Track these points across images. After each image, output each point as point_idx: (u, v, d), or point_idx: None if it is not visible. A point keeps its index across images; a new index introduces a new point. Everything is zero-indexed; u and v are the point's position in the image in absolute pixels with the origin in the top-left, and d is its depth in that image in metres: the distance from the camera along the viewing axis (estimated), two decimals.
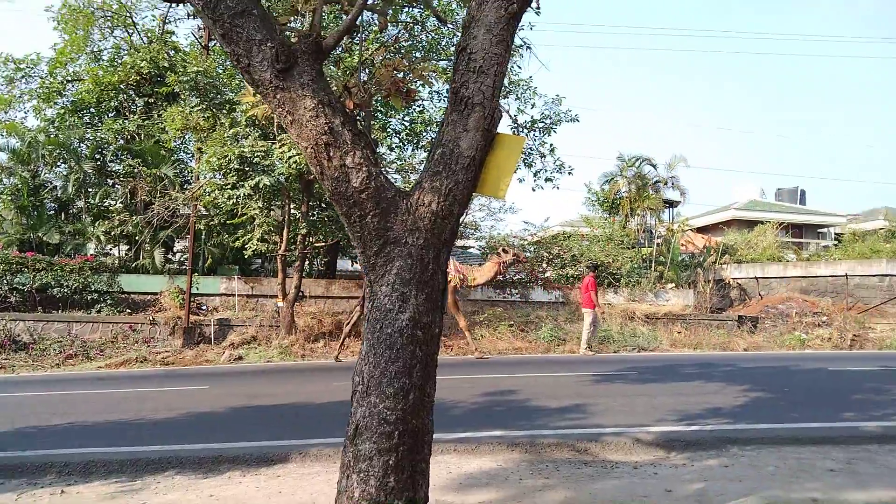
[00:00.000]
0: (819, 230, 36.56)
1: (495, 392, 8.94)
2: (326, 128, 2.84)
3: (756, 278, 23.30)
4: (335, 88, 3.14)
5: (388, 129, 16.02)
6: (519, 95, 15.27)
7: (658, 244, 24.39)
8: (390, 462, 2.84)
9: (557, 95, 14.99)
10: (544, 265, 20.52)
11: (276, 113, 2.99)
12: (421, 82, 4.66)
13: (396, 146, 16.57)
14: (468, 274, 14.42)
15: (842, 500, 4.33)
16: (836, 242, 32.25)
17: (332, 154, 2.84)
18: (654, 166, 24.07)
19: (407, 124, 15.92)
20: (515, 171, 15.91)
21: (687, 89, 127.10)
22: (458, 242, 23.71)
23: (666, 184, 24.22)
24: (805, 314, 19.16)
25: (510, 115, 15.05)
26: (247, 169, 13.18)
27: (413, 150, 16.74)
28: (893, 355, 15.08)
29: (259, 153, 13.04)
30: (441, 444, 5.92)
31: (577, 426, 6.66)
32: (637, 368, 11.79)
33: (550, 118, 15.28)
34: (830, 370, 11.74)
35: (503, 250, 14.90)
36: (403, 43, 13.27)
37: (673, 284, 21.92)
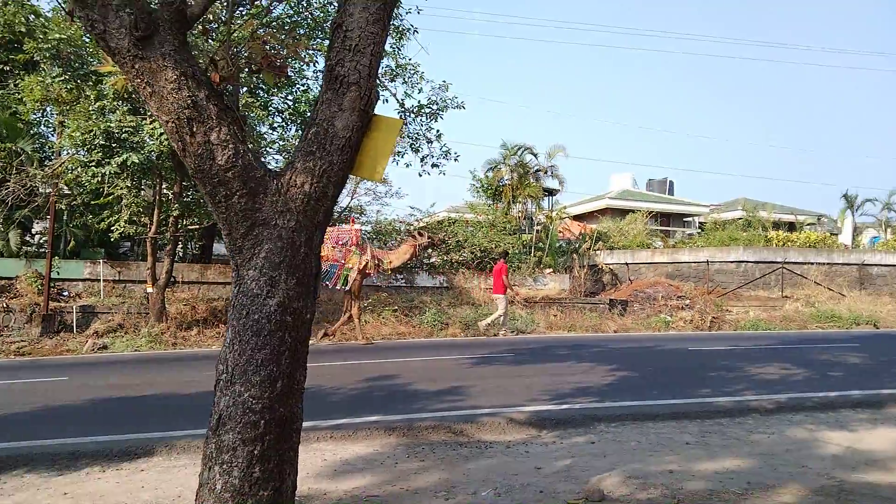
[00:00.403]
0: (685, 219, 39.03)
1: (376, 377, 8.93)
2: (189, 101, 2.68)
3: (627, 264, 24.60)
4: (201, 61, 2.96)
5: (270, 108, 15.50)
6: (406, 80, 15.18)
7: (538, 231, 25.19)
8: (255, 452, 2.75)
9: (444, 82, 15.03)
10: (429, 251, 20.69)
11: (134, 84, 2.79)
12: (295, 58, 4.52)
13: (279, 126, 16.06)
14: (384, 257, 14.43)
15: (695, 470, 4.63)
16: (699, 231, 34.57)
17: (195, 129, 2.69)
18: (535, 155, 24.82)
19: (290, 103, 15.46)
20: (396, 155, 15.90)
21: (566, 80, 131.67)
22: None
23: (546, 172, 25.04)
24: (670, 298, 20.43)
25: (398, 100, 14.97)
26: (114, 145, 12.35)
27: (297, 130, 16.31)
28: (746, 335, 16.37)
29: (128, 129, 12.24)
30: (317, 432, 5.84)
31: (454, 408, 6.77)
32: (515, 351, 12.15)
33: (437, 104, 15.31)
34: (690, 350, 12.60)
35: (418, 233, 15.02)
36: (287, 19, 12.84)
37: (551, 269, 22.75)
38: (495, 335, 15.51)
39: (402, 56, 14.49)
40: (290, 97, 15.44)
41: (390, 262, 14.52)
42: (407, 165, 15.66)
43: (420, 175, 15.25)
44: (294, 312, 2.81)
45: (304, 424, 6.00)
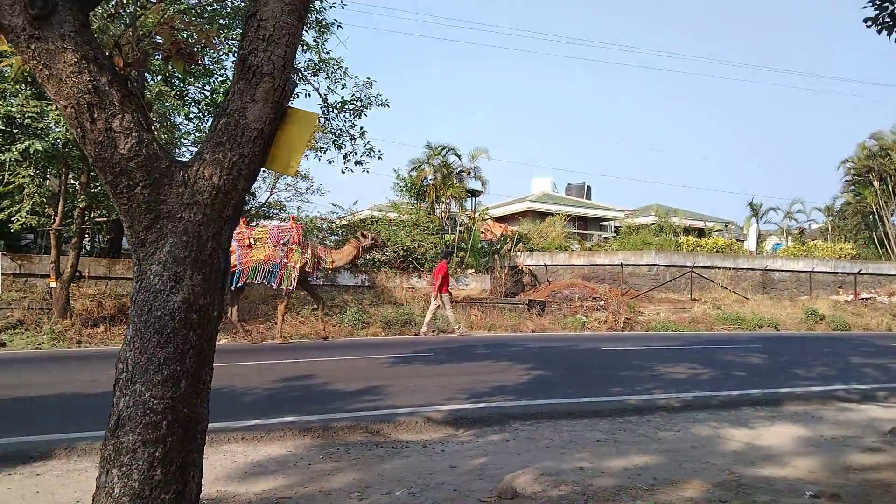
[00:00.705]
0: (601, 223, 40.18)
1: (292, 377, 8.75)
2: (90, 86, 2.54)
3: (546, 265, 25.09)
4: (104, 44, 2.81)
5: (187, 98, 14.99)
6: (330, 75, 14.99)
7: (460, 231, 25.37)
8: (157, 454, 2.63)
9: (368, 78, 14.91)
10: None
11: (30, 66, 2.61)
12: (207, 46, 4.36)
13: (195, 116, 15.54)
14: (326, 256, 14.52)
15: (605, 467, 4.75)
16: (615, 234, 35.64)
17: (96, 116, 2.55)
18: (458, 156, 24.98)
19: (208, 94, 14.99)
20: (318, 151, 15.66)
21: (489, 84, 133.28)
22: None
23: (469, 174, 25.25)
24: (586, 299, 20.99)
25: (320, 94, 14.75)
26: (15, 131, 11.65)
27: None
28: (657, 336, 16.99)
29: (31, 114, 11.57)
30: (228, 433, 5.67)
31: (371, 408, 6.71)
32: (435, 350, 12.18)
33: (361, 101, 15.18)
34: (604, 349, 12.97)
35: (362, 234, 15.15)
36: (206, 7, 12.43)
37: (473, 270, 22.95)
38: (460, 333, 16.12)
39: (325, 51, 14.29)
40: (207, 87, 14.97)
41: (332, 261, 14.64)
42: (329, 162, 15.48)
43: (343, 172, 15.08)
44: (200, 309, 2.70)
45: (215, 426, 5.82)
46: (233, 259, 13.16)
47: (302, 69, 14.24)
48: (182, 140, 15.54)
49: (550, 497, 4.02)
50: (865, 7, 5.33)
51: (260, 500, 4.13)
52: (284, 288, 13.77)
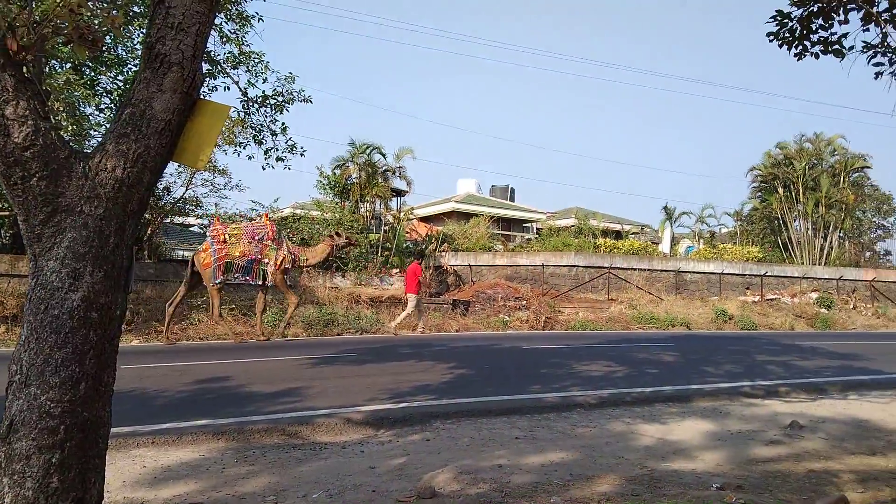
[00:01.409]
0: (524, 224, 40.84)
1: (207, 379, 8.48)
2: None
3: (470, 266, 25.28)
4: None
5: (98, 88, 14.31)
6: (250, 68, 14.57)
7: (385, 231, 25.25)
8: (53, 460, 2.47)
9: (291, 73, 14.58)
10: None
11: None
12: (112, 33, 4.17)
13: (107, 107, 14.85)
14: (300, 254, 14.84)
15: (523, 463, 4.81)
16: (537, 236, 36.28)
17: None
18: (383, 155, 24.83)
19: (120, 84, 14.35)
20: (238, 146, 15.25)
21: (415, 85, 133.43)
22: (178, 219, 22.15)
23: (394, 173, 25.15)
24: (509, 299, 21.27)
25: (240, 88, 14.31)
26: None
27: None
28: (576, 335, 17.38)
29: None
30: (137, 437, 5.45)
31: (289, 410, 6.57)
32: (357, 350, 12.06)
33: (283, 96, 14.84)
34: (524, 348, 13.17)
35: (336, 234, 15.53)
36: None
37: (398, 269, 22.86)
38: (421, 332, 16.65)
39: (245, 43, 13.92)
40: (120, 78, 14.34)
41: (307, 259, 14.97)
42: (250, 158, 15.03)
43: (264, 168, 14.69)
44: (100, 308, 2.57)
45: (124, 430, 5.59)
46: (209, 256, 13.55)
47: (221, 62, 13.82)
48: (92, 132, 14.82)
49: (468, 495, 4.03)
50: (768, 22, 5.61)
51: None
52: (256, 282, 14.05)
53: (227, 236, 13.83)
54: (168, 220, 20.86)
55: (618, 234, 36.16)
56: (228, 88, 13.98)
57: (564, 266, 25.07)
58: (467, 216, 32.81)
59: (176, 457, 5.09)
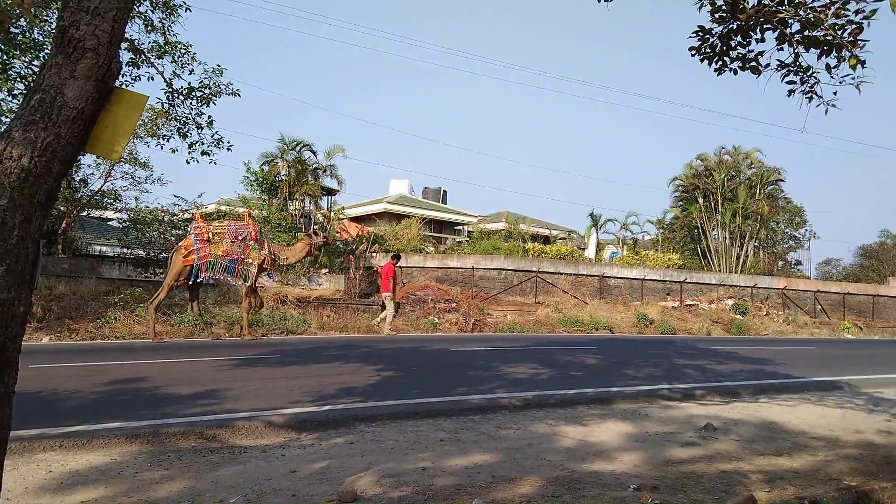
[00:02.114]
0: (456, 227, 41.06)
1: (123, 380, 8.14)
2: None
3: (400, 267, 25.18)
4: None
5: (11, 73, 13.53)
6: (176, 59, 14.11)
7: (315, 230, 24.89)
8: None
9: (218, 66, 14.19)
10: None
11: None
12: (22, 13, 3.94)
13: (20, 93, 14.06)
14: (280, 253, 15.05)
15: (446, 466, 4.81)
16: (468, 239, 36.54)
17: None
18: (314, 153, 24.51)
19: (36, 68, 13.61)
20: (161, 139, 14.76)
21: (349, 82, 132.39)
22: (96, 213, 21.23)
23: (325, 171, 24.84)
24: (439, 301, 21.33)
25: (165, 79, 13.85)
26: None
27: None
28: (504, 337, 17.58)
29: None
30: (44, 441, 5.17)
31: (208, 412, 6.37)
32: (282, 351, 11.83)
33: (210, 88, 14.43)
34: (453, 350, 13.22)
35: (314, 232, 15.79)
36: None
37: (326, 269, 22.58)
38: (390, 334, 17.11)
39: (171, 33, 13.47)
40: (35, 62, 13.62)
41: (286, 258, 15.23)
42: (173, 151, 14.55)
43: (188, 162, 14.23)
44: (2, 304, 2.41)
45: (29, 433, 5.31)
46: (191, 254, 13.55)
47: (145, 51, 13.33)
48: (3, 118, 14.02)
49: (391, 498, 4.00)
50: (690, 37, 5.81)
51: None
52: (243, 284, 14.15)
53: (210, 234, 13.77)
54: (85, 213, 19.93)
55: (546, 239, 36.83)
56: (152, 79, 13.49)
57: (494, 269, 25.34)
58: (399, 217, 32.74)
59: (86, 461, 4.86)
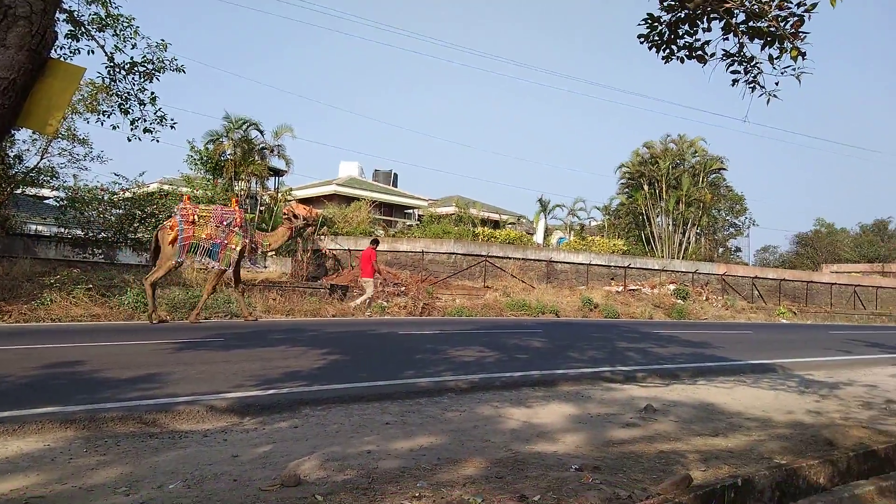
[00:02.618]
0: (406, 211, 40.94)
1: (57, 363, 7.87)
2: None
3: (349, 250, 25.04)
4: None
5: None
6: (118, 32, 13.59)
7: (261, 211, 24.48)
8: None
9: (163, 40, 13.72)
10: (136, 224, 18.90)
11: None
12: None
13: None
14: (262, 240, 15.51)
15: (392, 449, 4.81)
16: (418, 222, 36.50)
17: None
18: (261, 132, 24.03)
19: None
20: (101, 115, 14.26)
21: (299, 61, 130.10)
22: (32, 191, 20.42)
23: (272, 151, 24.39)
24: (388, 284, 21.27)
25: (106, 52, 13.34)
26: None
27: None
28: (452, 321, 17.67)
29: None
30: None
31: (148, 397, 6.21)
32: (225, 335, 11.63)
33: (154, 63, 13.96)
34: (401, 334, 13.22)
35: (294, 216, 16.11)
36: None
37: (273, 252, 22.26)
38: (369, 316, 17.65)
39: (113, 5, 12.96)
40: None
41: (269, 244, 15.72)
42: (114, 127, 14.08)
43: (129, 140, 13.77)
44: None
45: None
46: (175, 234, 13.80)
47: (85, 23, 12.80)
48: None
49: (335, 482, 3.98)
50: (640, 24, 5.89)
51: (6, 500, 3.64)
52: (219, 266, 14.32)
53: (196, 217, 14.02)
54: (19, 191, 19.13)
55: (496, 224, 37.06)
56: (93, 52, 12.97)
57: (444, 253, 25.40)
58: (349, 200, 32.44)
59: (16, 447, 4.69)
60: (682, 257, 35.92)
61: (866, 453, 5.06)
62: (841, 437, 5.77)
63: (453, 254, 25.50)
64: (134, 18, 13.07)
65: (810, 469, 4.51)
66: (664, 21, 5.84)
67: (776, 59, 5.51)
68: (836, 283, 36.90)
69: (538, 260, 27.87)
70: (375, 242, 19.22)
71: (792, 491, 4.31)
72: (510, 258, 26.82)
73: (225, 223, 14.30)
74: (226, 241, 14.19)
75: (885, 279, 40.42)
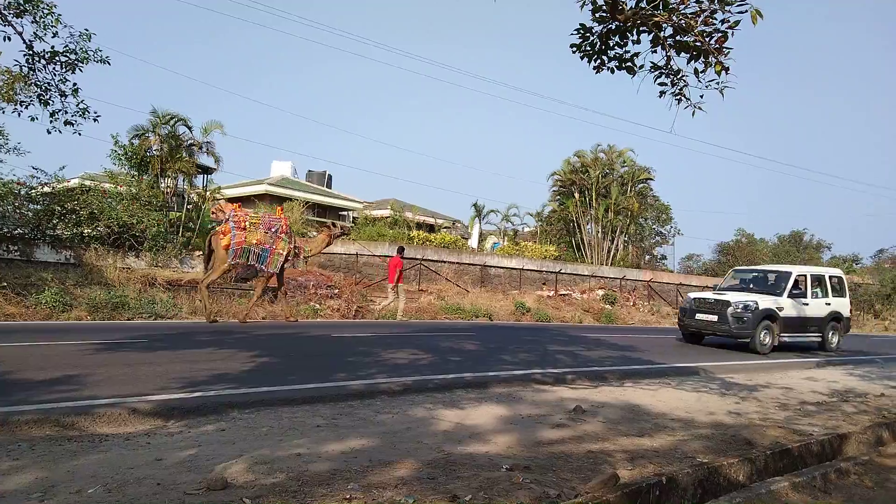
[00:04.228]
0: (341, 213, 40.53)
1: None
2: None
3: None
4: None
5: None
6: (38, 19, 12.97)
7: (189, 209, 23.76)
8: None
9: (86, 30, 13.17)
10: (55, 220, 18.04)
11: None
12: None
13: None
14: (304, 245, 16.66)
15: (323, 452, 4.74)
16: (353, 225, 36.19)
17: None
18: (189, 128, 23.29)
19: None
20: (18, 105, 13.60)
21: (231, 61, 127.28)
22: None
23: (200, 148, 23.67)
24: (321, 287, 20.98)
25: (24, 39, 12.72)
26: None
27: None
28: (386, 324, 17.58)
29: None
30: None
31: (66, 399, 5.94)
32: (150, 336, 11.24)
33: (77, 53, 13.38)
34: (334, 336, 13.07)
35: (332, 223, 17.68)
36: None
37: (200, 252, 21.63)
38: (401, 319, 18.87)
39: None
40: None
41: (310, 249, 16.96)
42: (32, 119, 13.41)
43: (49, 132, 13.17)
44: None
45: None
46: (228, 239, 14.92)
47: (1, 7, 12.16)
48: None
49: (264, 485, 3.90)
50: (572, 34, 6.02)
51: None
52: (268, 270, 15.35)
53: (247, 224, 15.17)
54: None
55: (431, 228, 37.15)
56: (10, 39, 12.34)
57: (379, 256, 25.24)
58: (281, 200, 31.86)
59: None
60: (611, 264, 36.86)
61: (782, 452, 5.31)
62: (759, 437, 6.03)
63: (388, 257, 25.35)
64: (55, 6, 12.51)
65: (730, 467, 4.69)
66: (596, 32, 5.99)
67: (701, 72, 5.72)
68: None
69: (473, 264, 28.06)
70: (401, 250, 20.49)
71: (713, 488, 4.47)
72: (445, 262, 26.91)
73: (273, 229, 15.39)
74: (274, 247, 15.28)
75: None
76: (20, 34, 12.41)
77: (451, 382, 8.17)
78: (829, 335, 16.72)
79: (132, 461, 4.37)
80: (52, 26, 13.00)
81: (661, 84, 6.09)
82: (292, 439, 5.08)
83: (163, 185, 22.73)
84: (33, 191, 17.92)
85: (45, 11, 12.76)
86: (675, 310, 32.14)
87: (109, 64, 13.43)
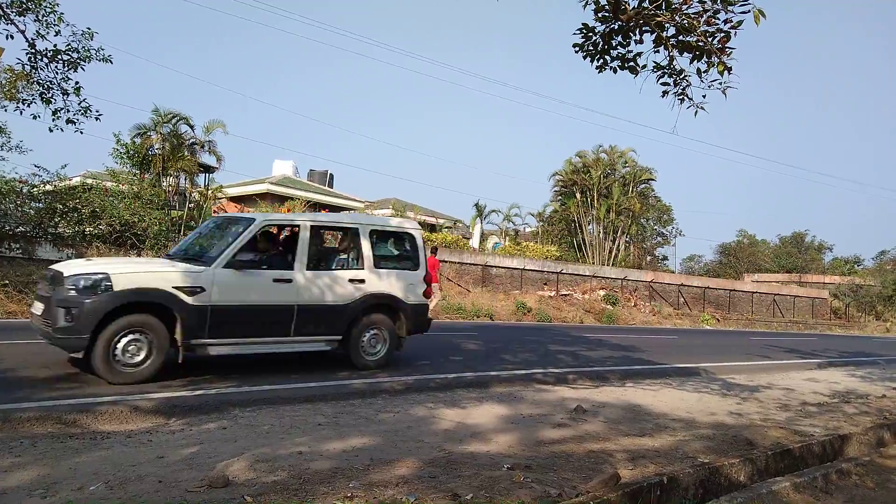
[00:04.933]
0: (342, 212, 40.51)
1: None
2: None
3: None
4: None
5: None
6: (40, 17, 12.99)
7: (191, 208, 23.76)
8: None
9: (89, 28, 13.19)
10: (57, 219, 18.05)
11: None
12: None
13: None
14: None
15: (324, 450, 4.75)
16: None
17: None
18: (191, 127, 23.29)
19: None
20: (21, 103, 13.63)
21: (235, 60, 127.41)
22: None
23: (203, 147, 23.68)
24: None
25: (26, 38, 12.74)
26: None
27: None
28: None
29: None
30: None
31: (68, 396, 5.95)
32: None
33: (79, 52, 13.39)
34: None
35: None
36: None
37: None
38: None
39: None
40: None
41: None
42: (35, 117, 13.43)
43: (51, 130, 13.18)
44: None
45: None
46: None
47: (4, 6, 12.18)
48: None
49: (265, 483, 3.90)
50: (575, 34, 6.02)
51: None
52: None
53: None
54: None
55: (432, 227, 37.10)
56: (12, 37, 12.36)
57: None
58: (282, 199, 31.85)
59: None
60: (612, 264, 36.84)
61: (783, 452, 5.31)
62: (760, 438, 6.03)
63: None
64: (58, 4, 12.52)
65: (731, 467, 4.69)
66: (598, 32, 5.99)
67: (704, 72, 5.72)
68: (756, 292, 38.59)
69: (474, 264, 28.05)
70: (435, 250, 20.40)
71: (714, 488, 4.47)
72: (446, 262, 26.89)
73: None
74: None
75: (801, 289, 42.54)
76: (23, 32, 12.43)
77: (452, 382, 8.18)
78: (366, 339, 8.76)
79: (134, 458, 4.38)
80: (54, 25, 13.02)
81: (663, 84, 6.09)
82: (294, 437, 5.09)
83: (165, 183, 22.74)
84: (35, 189, 17.92)
85: (48, 10, 12.78)
86: (676, 311, 32.14)
87: (112, 63, 13.44)
